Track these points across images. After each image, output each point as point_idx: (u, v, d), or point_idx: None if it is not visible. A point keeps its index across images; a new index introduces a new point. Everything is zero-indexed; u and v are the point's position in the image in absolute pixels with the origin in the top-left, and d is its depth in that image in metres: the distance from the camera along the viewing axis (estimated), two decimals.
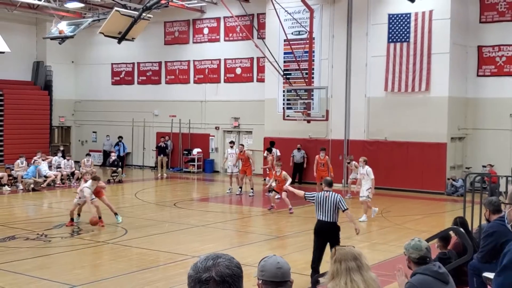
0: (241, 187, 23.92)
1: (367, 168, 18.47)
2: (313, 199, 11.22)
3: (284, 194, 18.84)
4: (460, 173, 24.89)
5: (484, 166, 23.91)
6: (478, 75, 25.27)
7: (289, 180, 19.23)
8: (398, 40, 24.93)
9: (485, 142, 25.07)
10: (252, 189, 23.69)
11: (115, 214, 17.19)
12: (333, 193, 11.22)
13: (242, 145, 25.45)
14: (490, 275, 7.72)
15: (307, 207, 20.94)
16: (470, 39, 25.20)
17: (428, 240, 7.66)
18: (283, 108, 26.33)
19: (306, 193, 11.59)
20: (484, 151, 24.97)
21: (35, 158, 25.70)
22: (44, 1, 29.11)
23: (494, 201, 8.73)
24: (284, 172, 19.52)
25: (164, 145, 30.84)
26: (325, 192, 11.18)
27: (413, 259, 5.73)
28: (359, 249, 4.84)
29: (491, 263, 8.25)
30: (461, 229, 8.67)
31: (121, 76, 35.33)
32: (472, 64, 25.30)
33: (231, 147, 25.01)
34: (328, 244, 11.00)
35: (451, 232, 9.40)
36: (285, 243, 15.43)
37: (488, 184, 16.70)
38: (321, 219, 11.10)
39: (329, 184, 11.47)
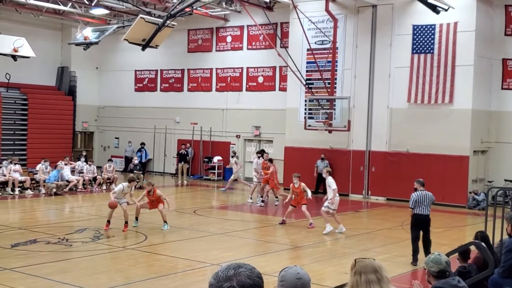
0: (267, 197, 23.75)
1: (329, 179, 17.91)
2: (414, 201, 13.90)
3: (304, 207, 18.49)
4: (482, 186, 24.65)
5: (507, 181, 23.67)
6: (502, 88, 25.06)
7: (309, 192, 18.87)
8: (422, 51, 24.82)
9: (508, 156, 24.81)
10: (277, 197, 23.64)
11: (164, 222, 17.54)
12: (427, 191, 14.05)
13: (267, 153, 25.03)
14: None
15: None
16: (495, 51, 25.01)
17: (449, 254, 7.60)
18: (305, 117, 26.30)
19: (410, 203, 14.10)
20: (507, 165, 24.71)
21: (58, 163, 25.94)
22: (69, 7, 29.48)
23: None
24: (303, 184, 18.74)
25: (185, 152, 30.95)
26: (422, 191, 13.96)
27: (433, 272, 5.70)
28: (379, 261, 4.82)
29: None
30: (483, 244, 8.59)
31: (144, 83, 35.58)
32: (496, 77, 25.10)
33: (259, 157, 24.77)
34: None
35: (471, 247, 9.32)
36: (304, 253, 15.39)
37: (510, 199, 16.54)
38: (421, 213, 13.92)
39: (423, 184, 14.25)
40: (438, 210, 22.92)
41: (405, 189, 24.36)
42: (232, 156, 27.60)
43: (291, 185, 18.80)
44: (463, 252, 9.15)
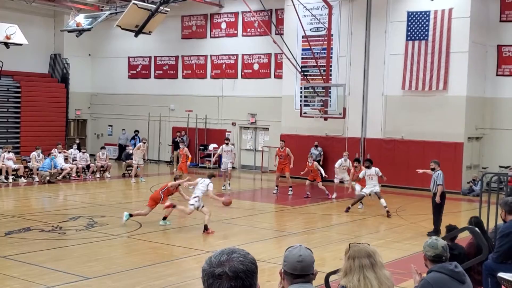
0: (277, 186, 23.15)
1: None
2: (443, 179, 15.85)
3: (320, 184, 21.59)
4: (477, 173, 24.68)
5: (501, 167, 23.68)
6: (497, 75, 25.02)
7: (322, 170, 22.01)
8: (417, 38, 24.74)
9: (502, 142, 24.84)
10: (290, 187, 22.77)
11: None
12: None
13: (283, 141, 24.27)
14: (505, 275, 7.64)
15: (324, 204, 20.93)
16: (490, 38, 24.95)
17: (444, 238, 7.59)
18: (300, 105, 26.25)
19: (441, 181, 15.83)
20: (501, 152, 24.75)
21: (52, 151, 25.81)
22: None
23: (510, 201, 8.63)
24: (315, 163, 22.10)
25: (181, 140, 30.85)
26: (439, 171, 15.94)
27: (429, 257, 5.68)
28: (374, 246, 4.80)
29: (506, 263, 8.17)
30: (476, 229, 8.58)
31: (137, 70, 35.42)
32: (491, 63, 25.06)
33: (227, 144, 24.55)
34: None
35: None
36: (299, 239, 15.37)
37: (505, 185, 16.57)
38: (444, 190, 15.94)
39: (439, 164, 16.28)
40: None
41: (399, 176, 24.45)
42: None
43: (307, 163, 21.80)
44: (449, 231, 9.25)
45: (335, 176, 21.92)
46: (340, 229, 16.56)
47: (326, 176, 22.14)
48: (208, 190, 15.70)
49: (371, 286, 4.52)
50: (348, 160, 21.83)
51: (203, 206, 15.63)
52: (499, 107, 24.95)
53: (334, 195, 21.82)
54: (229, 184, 24.03)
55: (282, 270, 3.77)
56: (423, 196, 23.18)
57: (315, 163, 22.07)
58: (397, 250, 13.82)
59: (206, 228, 15.27)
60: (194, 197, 15.65)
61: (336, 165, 22.02)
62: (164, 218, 16.36)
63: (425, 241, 5.87)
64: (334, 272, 6.34)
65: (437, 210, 15.95)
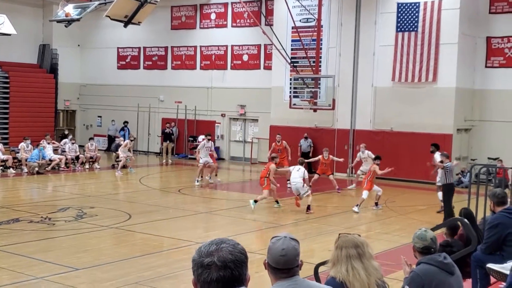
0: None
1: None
2: (448, 168, 15.77)
3: (331, 176, 21.65)
4: (466, 164, 24.80)
5: (490, 159, 23.79)
6: (486, 66, 25.10)
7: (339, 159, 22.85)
8: (407, 29, 24.76)
9: (491, 134, 24.94)
10: (288, 180, 22.96)
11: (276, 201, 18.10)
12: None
13: (280, 135, 24.09)
14: (495, 266, 7.68)
15: (316, 196, 20.93)
16: (479, 29, 25.00)
17: (434, 229, 7.61)
18: (290, 96, 26.22)
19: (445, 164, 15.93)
20: (490, 143, 24.85)
21: (41, 142, 25.67)
22: None
23: (498, 193, 8.66)
24: (331, 156, 22.16)
25: (170, 131, 30.78)
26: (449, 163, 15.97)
27: (418, 248, 5.71)
28: (364, 238, 4.81)
29: (494, 254, 8.20)
30: (466, 220, 8.60)
31: (127, 61, 35.25)
32: (480, 55, 25.13)
33: (208, 140, 24.47)
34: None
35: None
36: (289, 231, 15.39)
37: (493, 177, 16.67)
38: (452, 181, 16.07)
39: (448, 157, 16.51)
40: (422, 188, 23.06)
41: (388, 167, 24.44)
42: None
43: (321, 156, 21.84)
44: (451, 227, 9.20)
45: (360, 168, 22.45)
46: (329, 221, 16.60)
47: (350, 164, 22.61)
48: (304, 176, 17.21)
49: (359, 276, 4.53)
50: (366, 151, 22.10)
51: (307, 191, 17.28)
52: (488, 98, 25.03)
53: (353, 186, 22.63)
54: (216, 175, 23.75)
55: (266, 261, 3.64)
56: (411, 187, 23.32)
57: (331, 156, 22.13)
58: (386, 241, 13.87)
59: (309, 208, 17.10)
60: (296, 185, 17.25)
61: (357, 159, 22.79)
62: (277, 202, 18.03)
63: (414, 232, 5.89)
64: (323, 263, 6.35)
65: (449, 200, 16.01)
